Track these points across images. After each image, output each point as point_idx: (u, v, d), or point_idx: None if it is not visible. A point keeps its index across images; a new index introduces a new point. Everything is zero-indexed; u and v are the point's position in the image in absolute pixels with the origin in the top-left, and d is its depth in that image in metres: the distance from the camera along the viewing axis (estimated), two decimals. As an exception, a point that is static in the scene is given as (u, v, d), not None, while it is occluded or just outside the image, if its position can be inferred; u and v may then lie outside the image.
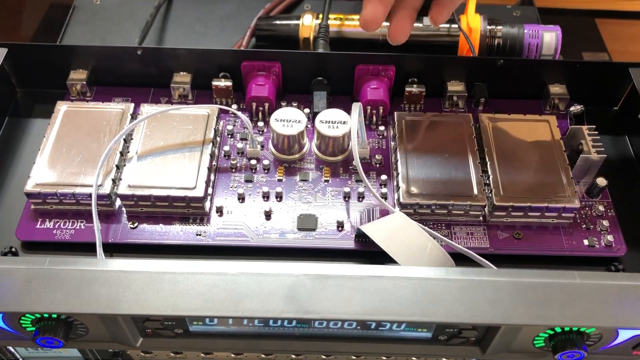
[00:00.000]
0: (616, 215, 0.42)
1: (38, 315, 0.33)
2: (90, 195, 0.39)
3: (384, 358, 0.40)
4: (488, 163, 0.42)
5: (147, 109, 0.44)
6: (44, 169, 0.40)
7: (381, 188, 0.43)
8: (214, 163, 0.43)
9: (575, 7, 0.70)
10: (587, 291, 0.33)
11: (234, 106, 0.47)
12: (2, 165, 0.45)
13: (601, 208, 0.42)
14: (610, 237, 0.40)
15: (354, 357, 0.40)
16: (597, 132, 0.43)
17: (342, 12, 0.54)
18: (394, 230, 0.38)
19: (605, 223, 0.41)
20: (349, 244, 0.40)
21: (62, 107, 0.44)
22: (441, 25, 0.52)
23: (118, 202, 0.41)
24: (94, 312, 0.32)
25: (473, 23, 0.51)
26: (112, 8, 0.59)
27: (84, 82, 0.47)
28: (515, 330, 0.34)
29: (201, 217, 0.41)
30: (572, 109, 0.46)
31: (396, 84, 0.47)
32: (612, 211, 0.42)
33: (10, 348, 0.40)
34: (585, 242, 0.40)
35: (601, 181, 0.42)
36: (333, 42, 0.51)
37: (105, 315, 0.33)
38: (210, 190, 0.42)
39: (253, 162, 0.44)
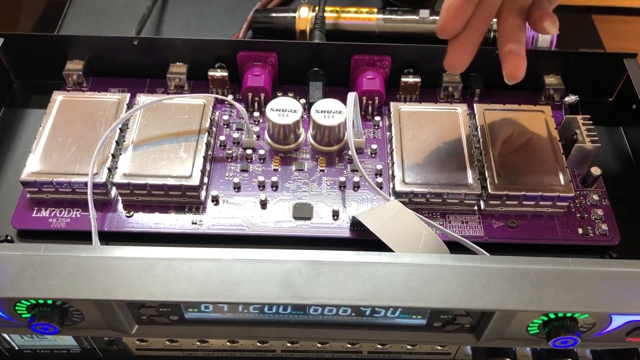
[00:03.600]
0: (610, 204, 0.42)
1: (33, 302, 0.33)
2: (86, 184, 0.39)
3: (379, 345, 0.40)
4: (483, 152, 0.42)
5: (143, 98, 0.44)
6: (40, 158, 0.40)
7: (376, 177, 0.43)
8: (209, 152, 0.43)
9: (573, 3, 0.70)
10: (580, 277, 0.33)
11: (230, 96, 0.47)
12: (-2, 154, 0.45)
13: (595, 197, 0.42)
14: (604, 226, 0.41)
15: (349, 345, 0.40)
16: (591, 122, 0.43)
17: (338, 4, 0.54)
18: (389, 218, 0.38)
19: (600, 212, 0.41)
20: (345, 232, 0.40)
21: (58, 97, 0.44)
22: (437, 18, 0.52)
23: (114, 191, 0.41)
24: (90, 298, 0.32)
25: (469, 15, 0.51)
26: (109, 1, 0.59)
27: (80, 73, 0.47)
28: (509, 316, 0.34)
29: (197, 206, 0.41)
30: (566, 99, 0.46)
31: (392, 75, 0.47)
32: (606, 200, 0.42)
33: (6, 336, 0.40)
34: (580, 230, 0.41)
35: (595, 170, 0.42)
36: (329, 34, 0.52)
37: (101, 301, 0.33)
38: (206, 180, 0.42)
39: (249, 151, 0.44)
